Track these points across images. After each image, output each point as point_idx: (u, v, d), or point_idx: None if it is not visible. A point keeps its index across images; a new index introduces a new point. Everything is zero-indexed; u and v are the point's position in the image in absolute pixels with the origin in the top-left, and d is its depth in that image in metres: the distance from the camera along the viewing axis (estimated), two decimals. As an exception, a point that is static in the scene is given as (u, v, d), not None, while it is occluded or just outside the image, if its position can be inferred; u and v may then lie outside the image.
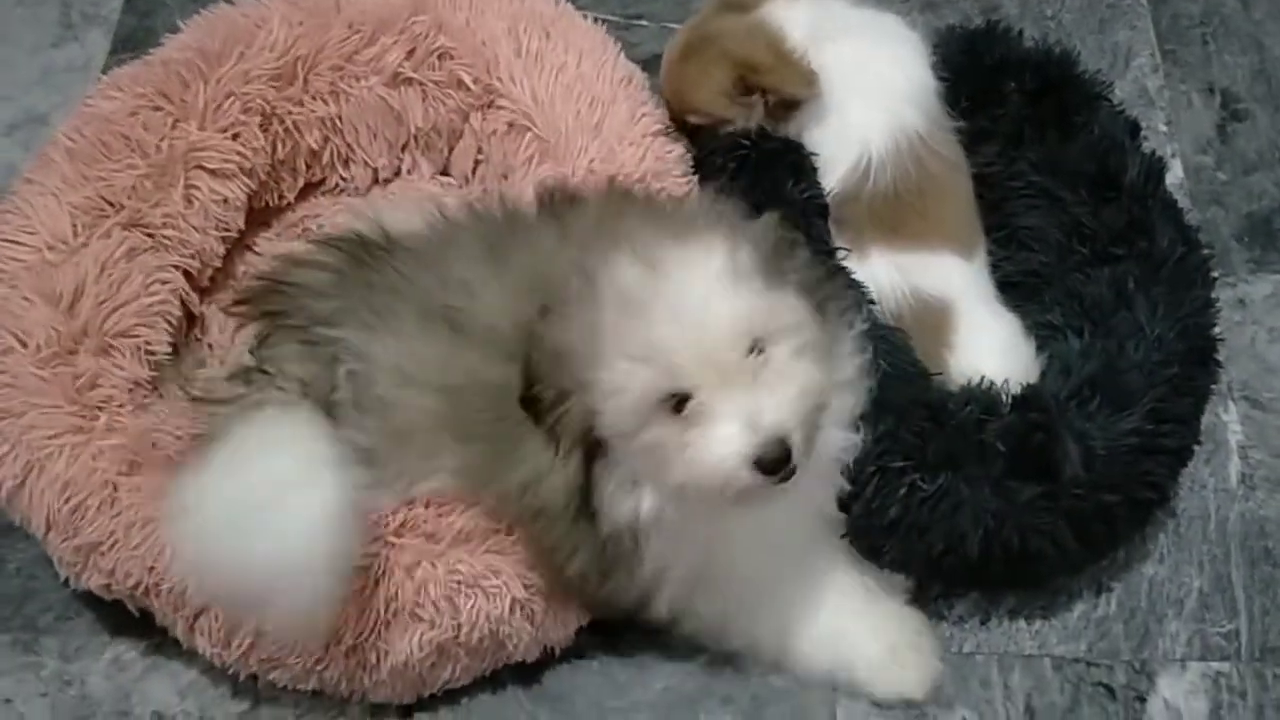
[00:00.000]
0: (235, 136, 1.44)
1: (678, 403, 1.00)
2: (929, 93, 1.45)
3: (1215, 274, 1.49)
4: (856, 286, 1.33)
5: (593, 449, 1.05)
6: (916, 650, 1.28)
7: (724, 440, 1.00)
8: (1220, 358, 1.42)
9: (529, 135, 1.47)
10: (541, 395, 1.04)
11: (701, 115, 1.47)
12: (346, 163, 1.53)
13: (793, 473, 1.02)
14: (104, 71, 1.61)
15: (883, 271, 1.37)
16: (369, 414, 1.21)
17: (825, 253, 1.38)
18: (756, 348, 1.01)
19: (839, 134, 1.42)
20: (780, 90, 1.42)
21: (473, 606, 1.20)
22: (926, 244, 1.38)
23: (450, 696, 1.30)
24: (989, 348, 1.35)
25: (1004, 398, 1.26)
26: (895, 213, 1.39)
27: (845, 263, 1.38)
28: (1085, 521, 1.24)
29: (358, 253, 1.28)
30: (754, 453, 0.99)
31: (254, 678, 1.28)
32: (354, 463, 1.18)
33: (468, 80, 1.49)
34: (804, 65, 1.41)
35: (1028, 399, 1.26)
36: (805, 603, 1.23)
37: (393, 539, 1.21)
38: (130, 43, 1.75)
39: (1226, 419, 1.47)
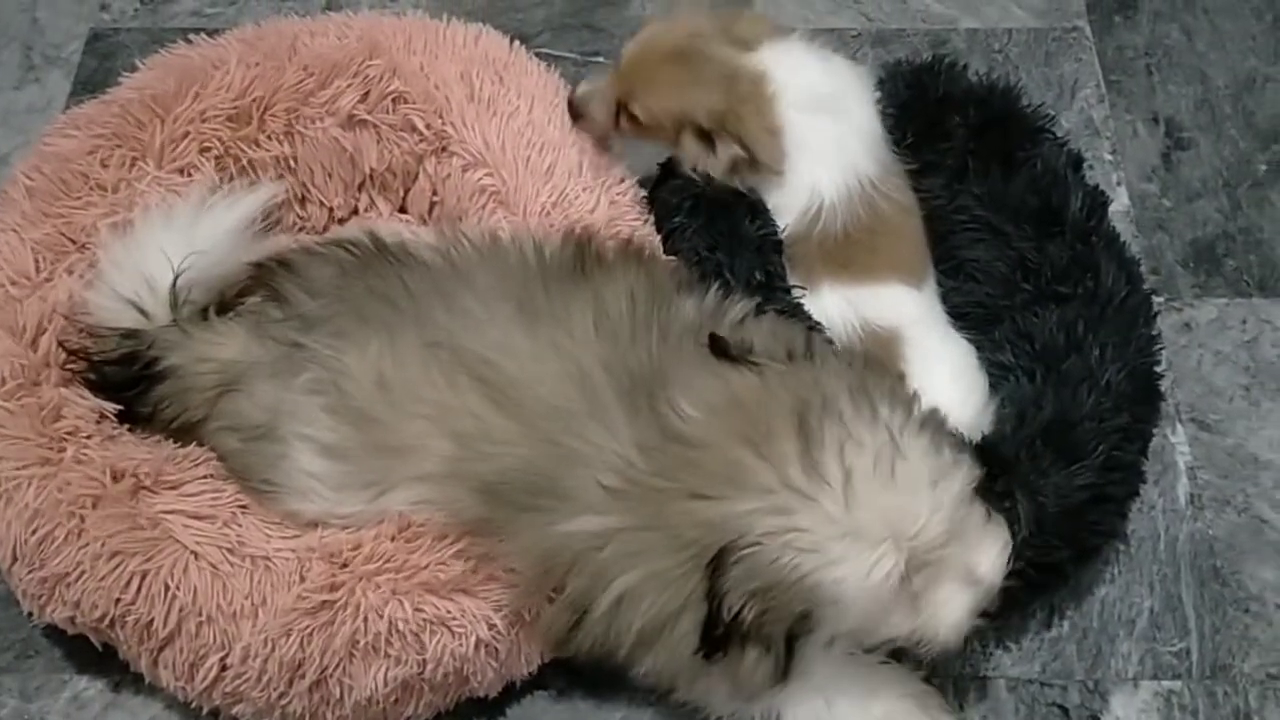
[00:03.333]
0: (191, 176, 1.45)
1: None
2: (878, 139, 1.46)
3: (1160, 299, 1.55)
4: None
5: (800, 630, 1.09)
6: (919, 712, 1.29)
7: (960, 599, 1.10)
8: (1167, 381, 1.46)
9: (482, 180, 1.48)
10: (739, 624, 1.06)
11: (659, 121, 1.41)
12: (303, 202, 1.54)
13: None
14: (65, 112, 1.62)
15: (833, 304, 1.39)
16: (346, 423, 1.21)
17: (782, 289, 1.40)
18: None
19: (790, 183, 1.43)
20: (756, 156, 1.40)
21: (439, 643, 1.21)
22: (876, 276, 1.40)
23: (410, 729, 1.30)
24: (941, 374, 1.36)
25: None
26: (845, 251, 1.40)
27: (802, 297, 1.40)
28: (1034, 574, 1.26)
29: (368, 257, 1.29)
30: (980, 606, 1.11)
31: (215, 714, 1.28)
32: (320, 457, 1.22)
33: (420, 125, 1.51)
34: (781, 139, 1.40)
35: (990, 457, 1.25)
36: (827, 681, 1.25)
37: (360, 572, 1.21)
38: (90, 84, 1.76)
39: (1174, 440, 1.50)
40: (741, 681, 1.12)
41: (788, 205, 1.43)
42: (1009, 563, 1.11)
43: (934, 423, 1.11)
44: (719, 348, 1.16)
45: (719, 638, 1.07)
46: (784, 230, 1.43)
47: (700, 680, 1.18)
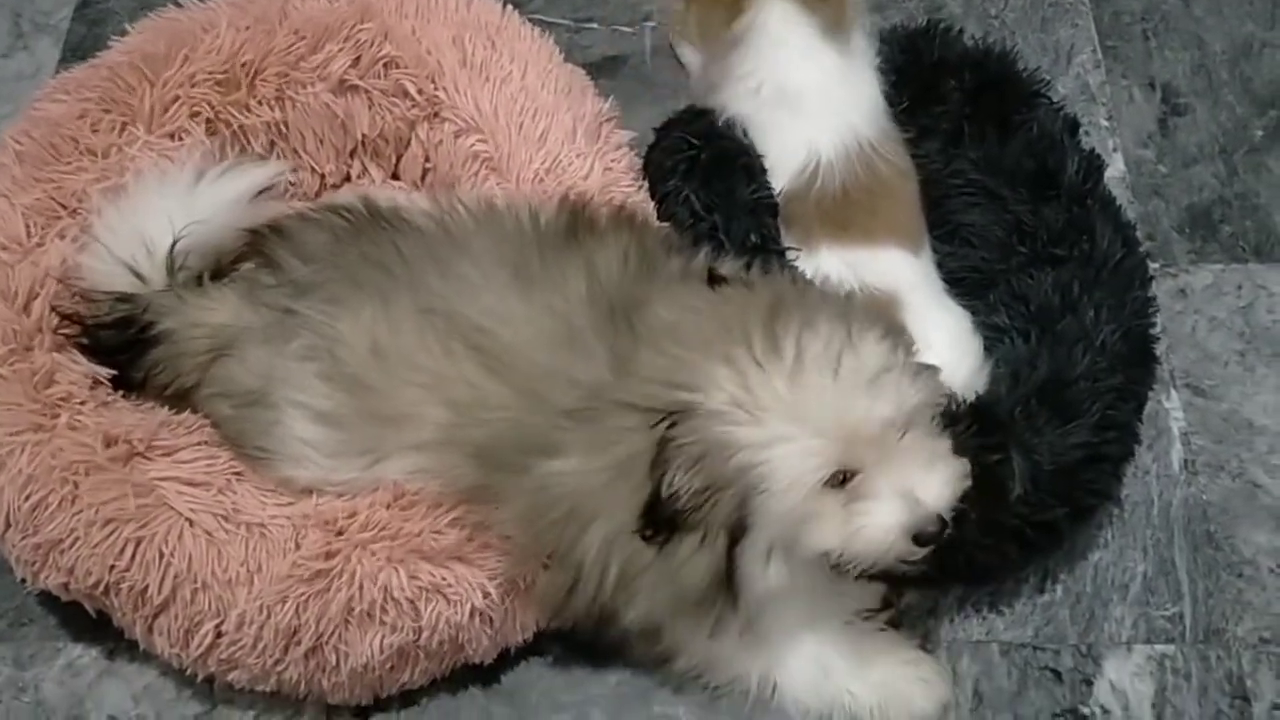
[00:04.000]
0: (182, 140, 1.44)
1: (842, 477, 1.06)
2: (877, 104, 1.47)
3: (1155, 265, 1.55)
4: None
5: (736, 530, 1.09)
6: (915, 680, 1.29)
7: (890, 513, 1.08)
8: (1162, 347, 1.46)
9: (475, 146, 1.48)
10: (677, 499, 1.07)
11: None
12: (294, 168, 1.53)
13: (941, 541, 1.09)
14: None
15: (832, 267, 1.39)
16: (341, 390, 1.22)
17: (777, 252, 1.41)
18: (904, 429, 1.07)
19: (788, 138, 1.44)
20: None
21: (433, 611, 1.21)
22: (874, 239, 1.40)
23: (407, 695, 1.31)
24: (938, 340, 1.36)
25: (961, 412, 1.26)
26: (844, 211, 1.41)
27: (796, 260, 1.40)
28: (1030, 533, 1.27)
29: (362, 222, 1.29)
30: (916, 526, 1.08)
31: (210, 680, 1.28)
32: (313, 423, 1.22)
33: (412, 90, 1.50)
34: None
35: (985, 414, 1.28)
36: (823, 647, 1.26)
37: (355, 540, 1.21)
38: (80, 51, 1.75)
39: (1169, 406, 1.50)
40: (681, 580, 1.11)
41: (786, 161, 1.44)
42: (955, 494, 1.10)
43: (907, 348, 1.12)
44: (717, 278, 1.17)
45: (659, 516, 1.08)
46: (780, 189, 1.44)
47: (680, 622, 1.19)
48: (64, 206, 1.37)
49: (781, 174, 1.45)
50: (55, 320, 1.31)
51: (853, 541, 1.09)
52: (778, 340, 1.06)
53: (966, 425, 1.24)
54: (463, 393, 1.18)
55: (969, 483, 1.12)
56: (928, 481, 1.09)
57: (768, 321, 1.07)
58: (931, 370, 1.17)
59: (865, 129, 1.43)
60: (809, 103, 1.45)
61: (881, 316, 1.16)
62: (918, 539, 1.09)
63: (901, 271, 1.40)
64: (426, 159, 1.54)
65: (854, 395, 1.05)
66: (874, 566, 1.13)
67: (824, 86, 1.45)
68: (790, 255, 1.41)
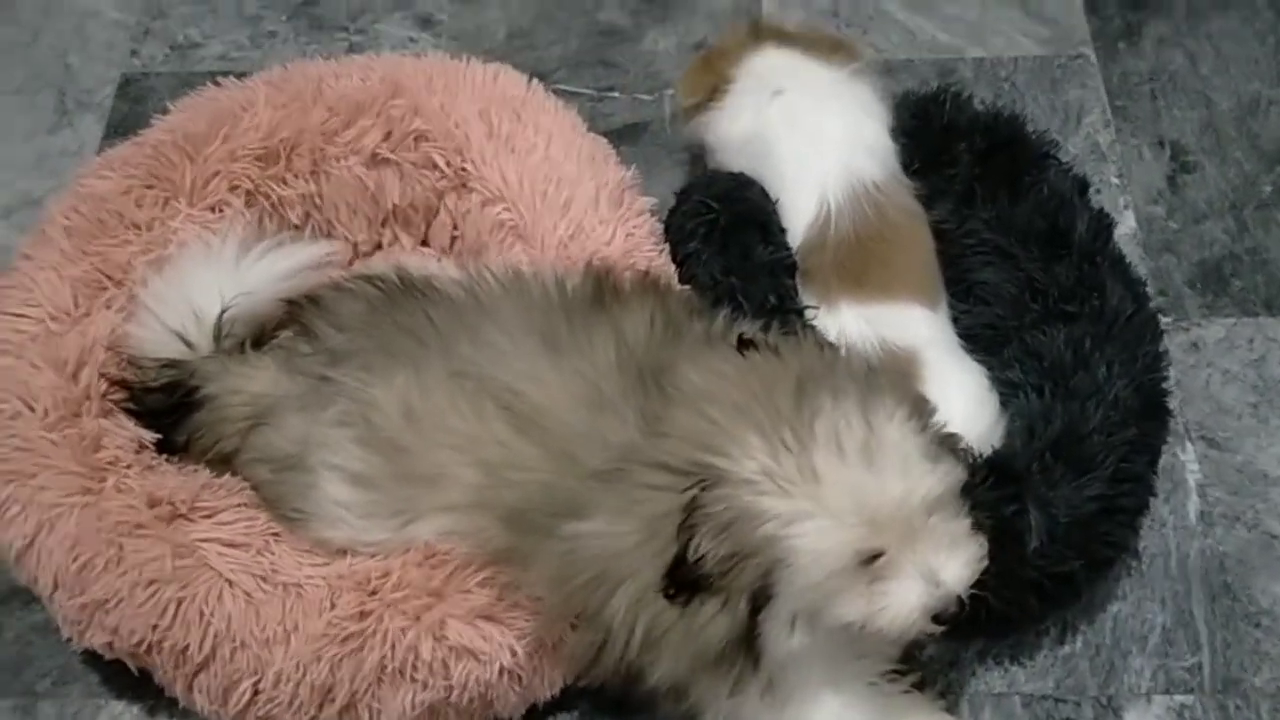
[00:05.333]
0: (222, 213, 1.50)
1: (869, 557, 1.09)
2: (884, 147, 1.52)
3: (1168, 320, 1.58)
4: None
5: (759, 598, 1.11)
6: None
7: (913, 594, 1.11)
8: (1176, 399, 1.49)
9: (501, 215, 1.53)
10: (702, 563, 1.09)
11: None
12: (329, 236, 1.59)
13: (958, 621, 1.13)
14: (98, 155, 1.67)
15: (852, 323, 1.42)
16: (375, 453, 1.25)
17: (795, 311, 1.44)
18: (929, 511, 1.11)
19: (798, 184, 1.49)
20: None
21: (464, 669, 1.24)
22: (893, 295, 1.43)
23: (437, 749, 1.33)
24: (957, 397, 1.38)
25: (979, 466, 1.30)
26: (860, 261, 1.44)
27: (815, 318, 1.44)
28: (1048, 585, 1.30)
29: (394, 292, 1.33)
30: (936, 607, 1.11)
31: (247, 737, 1.32)
32: (348, 486, 1.25)
33: (441, 162, 1.56)
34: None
35: (1001, 469, 1.31)
36: (848, 709, 1.27)
37: (388, 599, 1.24)
38: (122, 128, 1.81)
39: (1184, 458, 1.52)
40: (703, 641, 1.13)
41: (801, 211, 1.48)
42: (974, 575, 1.12)
43: (931, 425, 1.14)
44: (745, 343, 1.20)
45: (684, 578, 1.10)
46: (797, 245, 1.48)
47: (703, 680, 1.20)
48: (110, 278, 1.43)
49: (795, 223, 1.49)
50: (104, 386, 1.36)
51: (875, 618, 1.12)
52: (807, 419, 1.08)
53: (983, 479, 1.27)
54: (494, 453, 1.21)
55: (986, 562, 1.14)
56: (949, 564, 1.11)
57: (796, 397, 1.10)
58: (955, 440, 1.20)
59: (875, 172, 1.48)
60: (816, 149, 1.49)
61: (907, 390, 1.19)
62: (937, 618, 1.12)
63: (920, 328, 1.43)
64: (455, 227, 1.59)
65: (882, 479, 1.07)
66: (893, 641, 1.16)
67: (829, 132, 1.50)
68: (809, 315, 1.44)
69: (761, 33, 1.60)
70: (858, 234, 1.45)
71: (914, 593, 1.10)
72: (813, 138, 1.50)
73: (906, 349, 1.40)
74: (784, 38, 1.58)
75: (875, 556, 1.09)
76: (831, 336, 1.40)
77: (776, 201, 1.52)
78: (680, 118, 1.67)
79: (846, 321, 1.42)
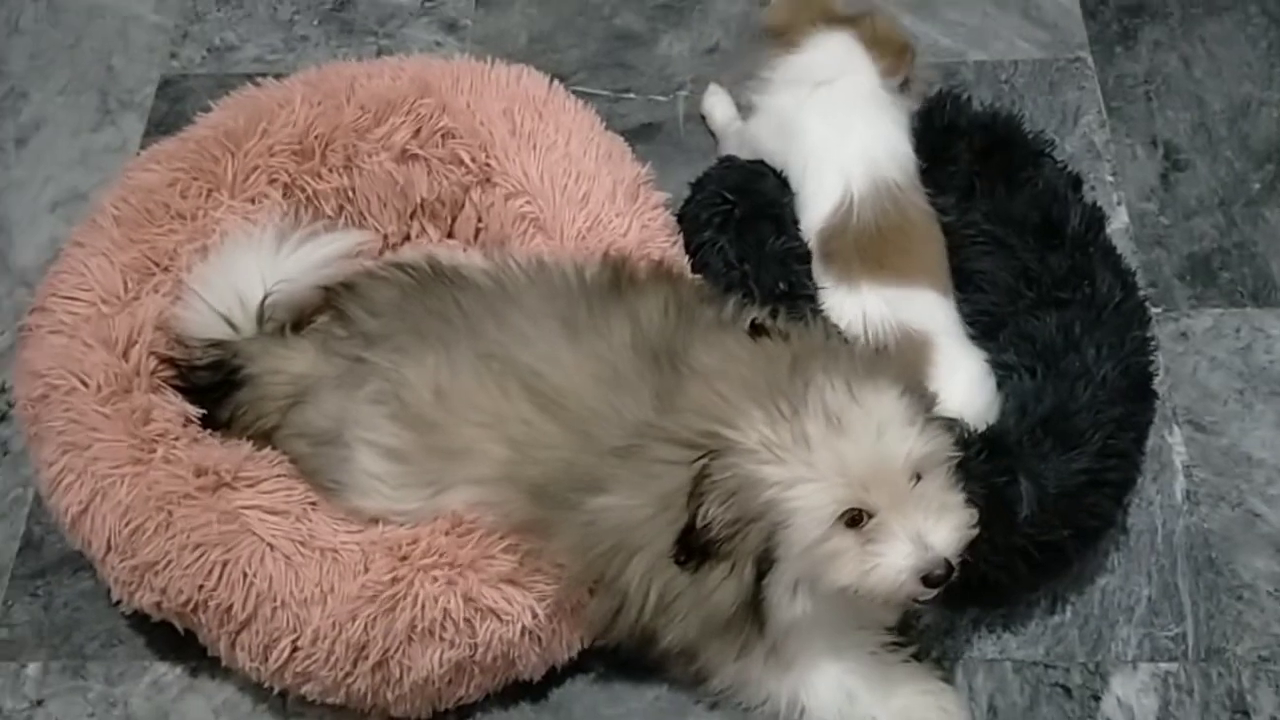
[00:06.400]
0: (261, 204, 1.58)
1: (856, 518, 1.17)
2: (906, 156, 1.60)
3: (1158, 310, 1.66)
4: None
5: (763, 562, 1.20)
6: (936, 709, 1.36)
7: (901, 555, 1.17)
8: (1164, 386, 1.56)
9: (523, 208, 1.61)
10: (710, 529, 1.18)
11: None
12: (360, 228, 1.66)
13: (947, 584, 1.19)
14: (139, 152, 1.74)
15: (872, 304, 1.49)
16: (407, 429, 1.33)
17: (805, 297, 1.52)
18: (917, 475, 1.18)
19: (823, 170, 1.57)
20: None
21: (488, 629, 1.32)
22: (911, 280, 1.51)
23: (463, 709, 1.41)
24: (961, 381, 1.47)
25: (973, 439, 1.37)
26: (880, 248, 1.52)
27: (828, 303, 1.51)
28: (1038, 553, 1.37)
29: (425, 279, 1.42)
30: (925, 569, 1.18)
31: (284, 695, 1.41)
32: (382, 459, 1.33)
33: (466, 158, 1.64)
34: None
35: (994, 442, 1.38)
36: (849, 674, 1.34)
37: (418, 564, 1.32)
38: (163, 126, 1.89)
39: (1172, 441, 1.60)
40: (711, 605, 1.21)
41: (824, 195, 1.56)
42: (963, 542, 1.19)
43: (925, 404, 1.22)
44: (758, 329, 1.28)
45: (693, 545, 1.18)
46: (817, 227, 1.56)
47: (712, 643, 1.28)
48: (157, 264, 1.51)
49: (818, 207, 1.57)
50: (154, 363, 1.44)
51: (866, 579, 1.18)
52: (800, 389, 1.16)
53: (978, 452, 1.35)
54: (519, 431, 1.29)
55: (976, 530, 1.21)
56: (938, 528, 1.18)
57: (793, 372, 1.18)
58: (948, 423, 1.26)
59: (896, 174, 1.56)
60: (844, 143, 1.57)
61: (906, 373, 1.26)
62: (926, 580, 1.18)
63: (935, 314, 1.51)
64: (479, 220, 1.68)
65: (868, 443, 1.15)
66: (887, 603, 1.23)
67: (866, 123, 1.58)
68: (820, 300, 1.52)
69: (837, 14, 1.66)
70: (878, 224, 1.52)
71: (902, 555, 1.17)
72: (842, 133, 1.58)
73: (921, 332, 1.47)
74: (858, 26, 1.65)
75: (865, 518, 1.17)
76: (852, 315, 1.48)
77: (791, 186, 1.61)
78: (763, 36, 1.73)
79: (867, 301, 1.49)
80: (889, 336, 1.46)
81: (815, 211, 1.57)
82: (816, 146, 1.59)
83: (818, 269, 1.56)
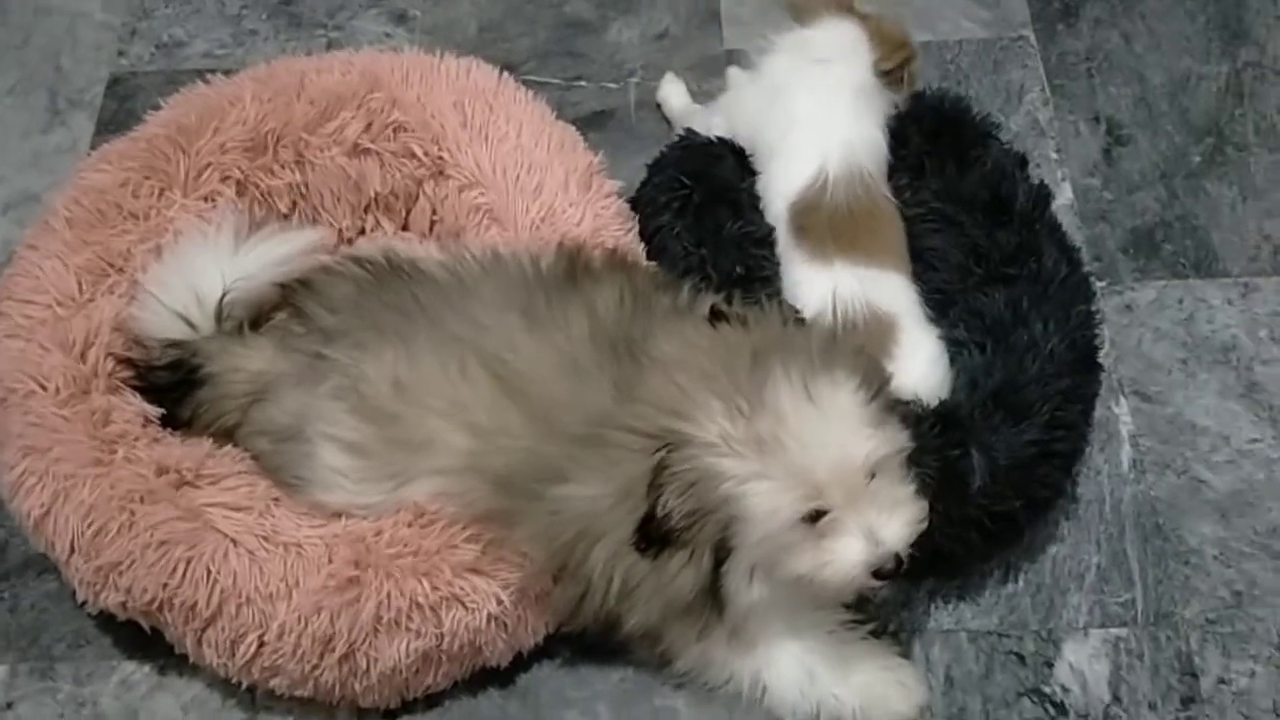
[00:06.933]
0: (214, 202, 1.59)
1: (814, 515, 1.20)
2: (881, 152, 1.64)
3: (1103, 283, 1.69)
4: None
5: (721, 550, 1.22)
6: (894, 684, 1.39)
7: (854, 551, 1.21)
8: (1110, 358, 1.60)
9: (477, 199, 1.62)
10: (669, 519, 1.20)
11: None
12: (315, 223, 1.67)
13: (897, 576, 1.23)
14: (90, 151, 1.74)
15: (844, 281, 1.51)
16: (367, 423, 1.34)
17: (761, 279, 1.54)
18: (872, 473, 1.20)
19: (801, 143, 1.59)
20: None
21: (454, 617, 1.34)
22: (880, 262, 1.54)
23: (431, 697, 1.43)
24: (921, 361, 1.50)
25: (926, 414, 1.40)
26: (853, 228, 1.55)
27: (804, 270, 1.53)
28: (990, 524, 1.41)
29: (382, 273, 1.43)
30: (875, 564, 1.21)
31: (253, 690, 1.42)
32: (343, 453, 1.34)
33: (419, 151, 1.65)
34: None
35: (946, 416, 1.41)
36: (809, 653, 1.37)
37: (382, 555, 1.34)
38: (113, 125, 1.89)
39: (1118, 411, 1.64)
40: (672, 591, 1.24)
41: (798, 168, 1.58)
42: (913, 535, 1.23)
43: (881, 394, 1.24)
44: (717, 314, 1.29)
45: (653, 533, 1.20)
46: (793, 200, 1.57)
47: (674, 627, 1.31)
48: (111, 265, 1.51)
49: (791, 178, 1.58)
50: (112, 365, 1.45)
51: (819, 572, 1.22)
52: (759, 386, 1.18)
53: (930, 425, 1.38)
54: (481, 417, 1.30)
55: (926, 524, 1.24)
56: (889, 523, 1.21)
57: (751, 366, 1.20)
58: (903, 404, 1.29)
59: (869, 164, 1.59)
60: (832, 117, 1.60)
61: (861, 360, 1.27)
62: (877, 574, 1.22)
63: (900, 295, 1.54)
64: (434, 212, 1.69)
65: (825, 444, 1.18)
66: (838, 593, 1.27)
67: (849, 110, 1.61)
68: (777, 283, 1.54)
69: (851, 6, 1.69)
70: (850, 206, 1.55)
71: (854, 549, 1.21)
72: (827, 112, 1.60)
73: (888, 313, 1.50)
74: (867, 21, 1.67)
75: (821, 514, 1.20)
76: (823, 291, 1.50)
77: (754, 164, 1.64)
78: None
79: (840, 278, 1.51)
80: (858, 314, 1.49)
81: (787, 182, 1.59)
82: (799, 118, 1.61)
83: (787, 242, 1.58)
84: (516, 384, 1.30)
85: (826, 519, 1.20)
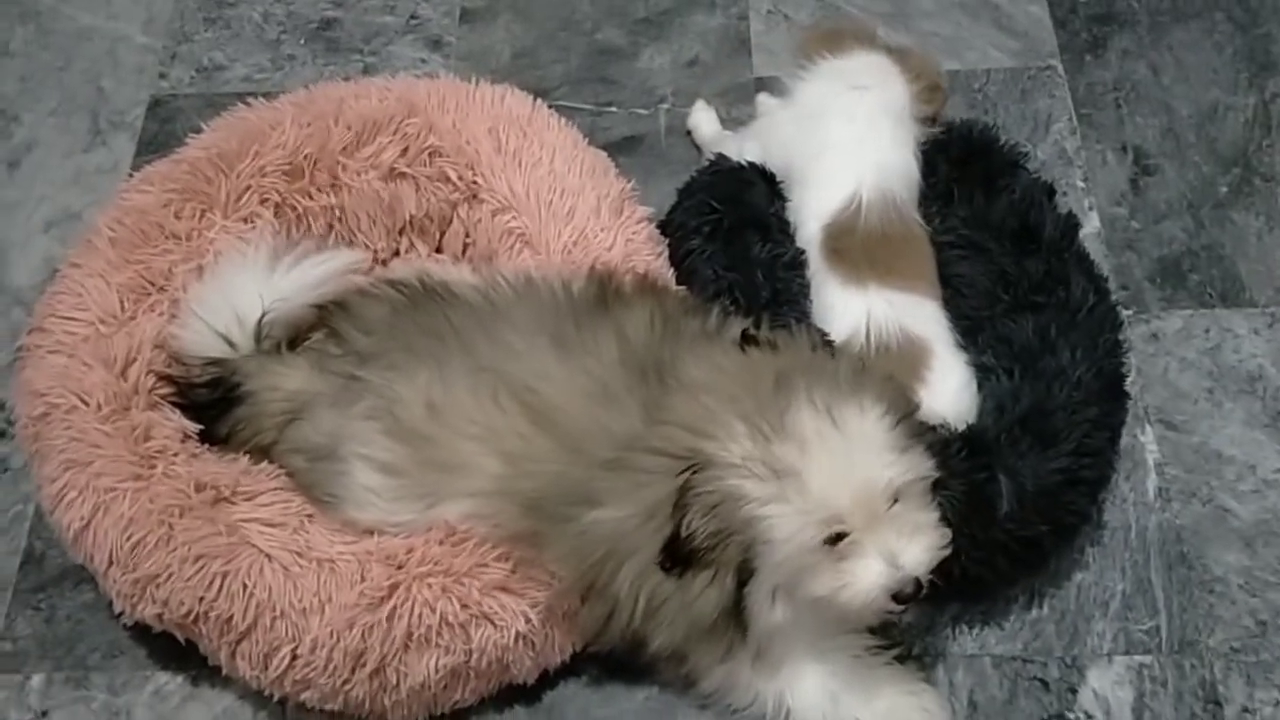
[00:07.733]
0: (254, 224, 1.62)
1: (835, 537, 1.21)
2: (914, 179, 1.66)
3: (1130, 312, 1.70)
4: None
5: (744, 571, 1.24)
6: (918, 709, 1.40)
7: (872, 574, 1.22)
8: (1137, 386, 1.61)
9: (510, 223, 1.65)
10: (693, 539, 1.21)
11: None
12: (350, 245, 1.70)
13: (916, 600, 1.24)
14: (131, 172, 1.78)
15: (878, 305, 1.53)
16: (401, 443, 1.36)
17: (792, 303, 1.56)
18: (895, 498, 1.22)
19: (837, 168, 1.62)
20: None
21: (483, 635, 1.36)
22: (914, 288, 1.56)
23: (459, 713, 1.44)
24: (952, 385, 1.51)
25: (954, 438, 1.42)
26: (887, 253, 1.57)
27: (838, 293, 1.55)
28: (1017, 548, 1.42)
29: (416, 296, 1.45)
30: (895, 588, 1.23)
31: (284, 702, 1.43)
32: (377, 473, 1.37)
33: (453, 176, 1.68)
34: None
35: (973, 440, 1.43)
36: (832, 677, 1.38)
37: (414, 573, 1.36)
38: (153, 145, 1.93)
39: (1144, 439, 1.64)
40: (695, 611, 1.25)
41: (833, 190, 1.60)
42: (933, 561, 1.24)
43: (906, 420, 1.25)
44: (748, 339, 1.31)
45: (677, 553, 1.22)
46: (826, 221, 1.59)
47: (699, 647, 1.32)
48: (153, 284, 1.55)
49: (825, 199, 1.61)
50: (152, 381, 1.48)
51: (838, 594, 1.23)
52: (783, 410, 1.20)
53: (958, 450, 1.39)
54: (513, 444, 1.32)
55: (949, 551, 1.25)
56: (909, 548, 1.22)
57: (777, 389, 1.21)
58: (930, 429, 1.30)
59: (902, 190, 1.61)
60: (867, 142, 1.62)
61: (889, 387, 1.29)
62: (896, 598, 1.23)
63: (932, 320, 1.55)
64: (467, 235, 1.71)
65: (848, 469, 1.19)
66: (859, 615, 1.27)
67: (885, 135, 1.64)
68: (807, 308, 1.56)
69: (872, 39, 1.73)
70: (884, 230, 1.57)
71: (874, 572, 1.22)
72: (863, 137, 1.63)
73: (921, 338, 1.52)
74: (897, 55, 1.71)
75: (841, 537, 1.21)
76: (857, 314, 1.52)
77: (784, 190, 1.67)
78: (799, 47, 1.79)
79: (874, 302, 1.53)
80: (892, 338, 1.50)
81: (821, 203, 1.61)
82: (835, 142, 1.63)
83: (820, 266, 1.59)
84: (547, 413, 1.32)
85: (846, 542, 1.21)
